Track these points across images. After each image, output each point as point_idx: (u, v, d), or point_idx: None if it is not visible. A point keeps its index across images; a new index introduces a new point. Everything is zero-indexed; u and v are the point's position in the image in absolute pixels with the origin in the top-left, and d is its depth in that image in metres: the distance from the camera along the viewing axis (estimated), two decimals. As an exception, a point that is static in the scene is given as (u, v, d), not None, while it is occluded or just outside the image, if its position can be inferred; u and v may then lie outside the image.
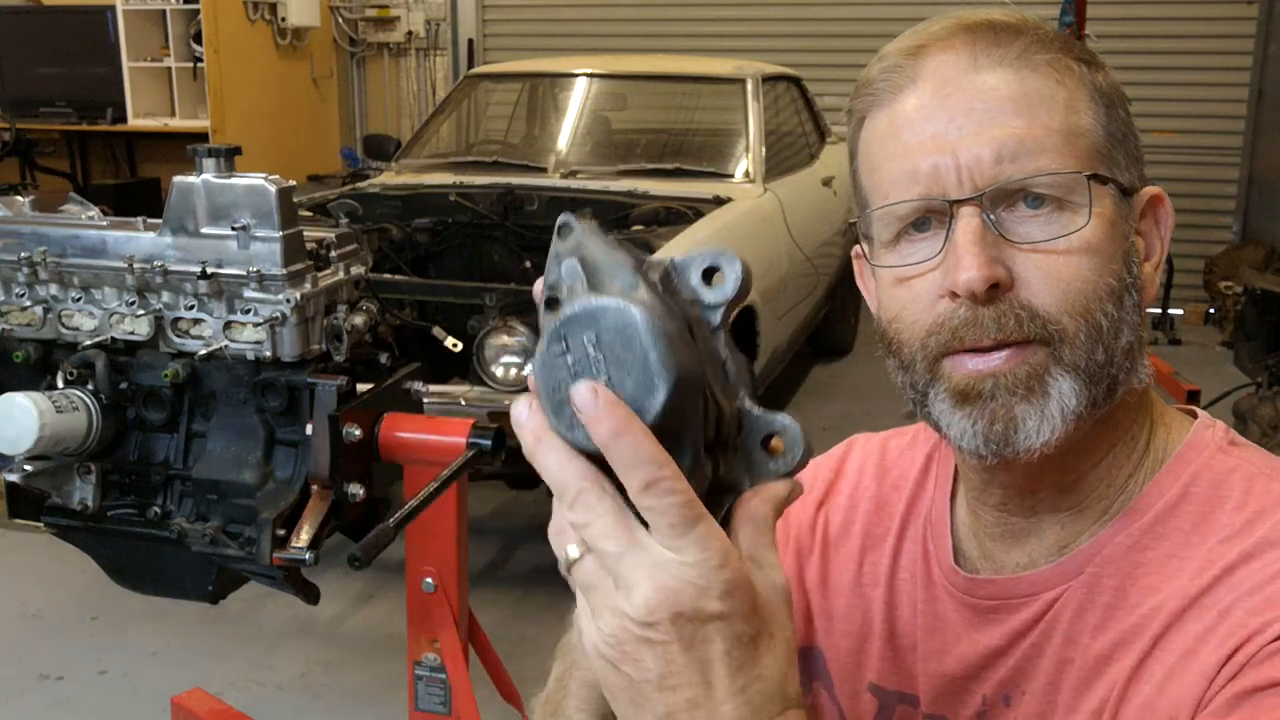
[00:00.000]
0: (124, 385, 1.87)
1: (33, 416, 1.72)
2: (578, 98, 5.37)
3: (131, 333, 1.89)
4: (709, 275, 0.63)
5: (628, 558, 0.57)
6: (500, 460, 1.85)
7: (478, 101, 5.75)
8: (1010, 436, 0.80)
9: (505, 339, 3.28)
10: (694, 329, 0.61)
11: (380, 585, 3.74)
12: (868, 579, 0.98)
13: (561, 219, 0.64)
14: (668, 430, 0.58)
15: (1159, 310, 6.67)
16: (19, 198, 2.01)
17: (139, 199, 7.02)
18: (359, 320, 1.93)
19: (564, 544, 0.59)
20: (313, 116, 8.21)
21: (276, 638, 3.50)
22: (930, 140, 0.81)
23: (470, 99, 5.65)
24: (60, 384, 1.85)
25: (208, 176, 1.80)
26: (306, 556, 1.79)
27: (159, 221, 1.86)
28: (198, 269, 1.80)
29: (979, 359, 0.80)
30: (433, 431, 1.91)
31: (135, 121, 7.56)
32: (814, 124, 6.01)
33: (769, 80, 5.36)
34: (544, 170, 4.90)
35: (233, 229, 1.79)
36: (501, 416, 2.90)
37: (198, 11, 7.19)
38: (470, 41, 8.44)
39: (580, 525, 0.58)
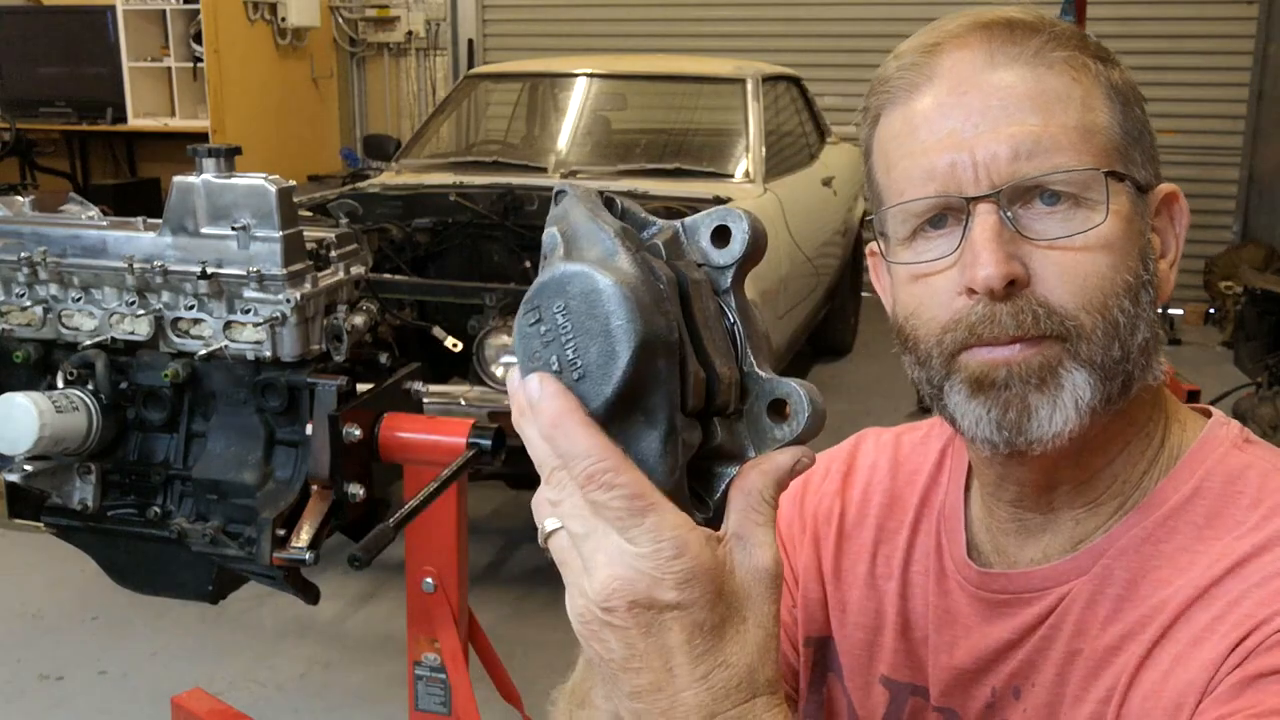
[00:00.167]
0: (124, 385, 1.87)
1: (33, 416, 1.72)
2: (578, 98, 5.37)
3: (131, 333, 1.89)
4: (719, 236, 0.63)
5: (590, 540, 0.58)
6: (500, 460, 1.85)
7: (478, 101, 5.75)
8: (1023, 425, 0.80)
9: (505, 339, 3.28)
10: (691, 293, 0.60)
11: (380, 585, 3.74)
12: (881, 572, 0.99)
13: (557, 187, 0.64)
14: (635, 399, 0.57)
15: (1159, 310, 6.66)
16: (19, 198, 2.01)
17: (139, 199, 7.03)
18: (359, 320, 1.93)
19: (543, 516, 0.60)
20: (313, 117, 8.21)
21: (276, 638, 3.50)
22: (947, 138, 0.81)
23: (470, 99, 5.65)
24: (60, 384, 1.85)
25: (208, 176, 1.80)
26: (306, 556, 1.79)
27: (159, 221, 1.86)
28: (198, 269, 1.80)
29: (995, 349, 0.80)
30: (433, 431, 1.91)
31: (135, 121, 7.56)
32: (814, 124, 6.01)
33: (769, 80, 5.36)
34: (544, 170, 4.90)
35: (233, 229, 1.79)
36: (501, 416, 2.90)
37: (198, 11, 7.19)
38: (470, 41, 8.44)
39: (554, 502, 0.59)
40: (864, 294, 6.65)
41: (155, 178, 7.64)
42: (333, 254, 1.94)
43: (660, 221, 0.64)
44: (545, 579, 3.73)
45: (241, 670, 3.32)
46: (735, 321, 0.62)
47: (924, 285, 0.84)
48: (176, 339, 1.87)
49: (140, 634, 3.50)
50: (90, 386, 1.84)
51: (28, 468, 1.82)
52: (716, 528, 0.60)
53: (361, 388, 1.88)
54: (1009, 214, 0.80)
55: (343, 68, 8.62)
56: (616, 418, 0.58)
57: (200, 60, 7.29)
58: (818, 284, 5.42)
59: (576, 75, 5.43)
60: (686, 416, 0.59)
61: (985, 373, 0.81)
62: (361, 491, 1.82)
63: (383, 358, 2.02)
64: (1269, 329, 5.84)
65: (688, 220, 0.64)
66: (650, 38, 7.91)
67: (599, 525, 0.57)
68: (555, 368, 0.59)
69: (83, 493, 1.88)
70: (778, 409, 0.61)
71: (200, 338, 1.86)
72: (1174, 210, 0.88)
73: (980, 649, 0.89)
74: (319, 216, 3.86)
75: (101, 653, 3.41)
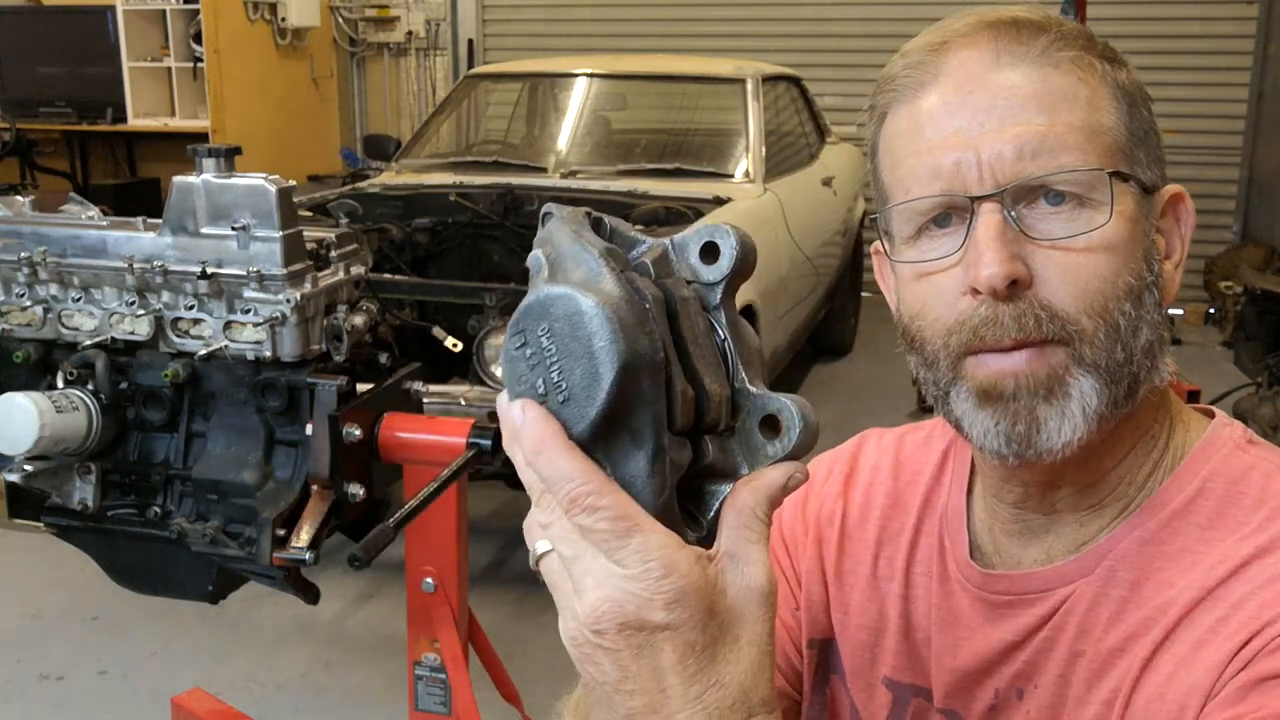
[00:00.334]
0: (124, 385, 1.87)
1: (33, 416, 1.72)
2: (578, 98, 5.37)
3: (131, 333, 1.89)
4: (708, 253, 0.62)
5: (579, 563, 0.57)
6: (500, 460, 1.84)
7: (478, 101, 5.75)
8: (1033, 438, 0.80)
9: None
10: (680, 310, 0.60)
11: (380, 585, 3.74)
12: (883, 573, 0.98)
13: (545, 208, 0.64)
14: (620, 420, 0.57)
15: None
16: (19, 198, 2.01)
17: (139, 199, 7.04)
18: (359, 320, 1.93)
19: (535, 539, 0.60)
20: (313, 116, 8.21)
21: (276, 638, 3.50)
22: (952, 136, 0.81)
23: (470, 99, 5.65)
24: (60, 384, 1.85)
25: (208, 176, 1.80)
26: (306, 556, 1.79)
27: (159, 221, 1.86)
28: (198, 269, 1.80)
29: (1002, 358, 0.80)
30: (433, 431, 1.91)
31: (135, 121, 7.56)
32: (814, 124, 6.01)
33: (769, 80, 5.36)
34: (544, 170, 4.91)
35: (233, 229, 1.79)
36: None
37: (198, 11, 7.19)
38: (470, 41, 8.44)
39: (544, 525, 0.59)
40: (864, 294, 6.65)
41: (155, 178, 7.65)
42: (333, 254, 1.93)
43: (649, 240, 0.63)
44: (545, 579, 3.72)
45: (241, 670, 3.32)
46: (726, 338, 0.62)
47: (928, 284, 0.84)
48: (176, 339, 1.87)
49: (140, 634, 3.49)
50: (90, 386, 1.84)
51: (28, 468, 1.82)
52: (710, 546, 0.60)
53: (361, 388, 1.88)
54: (1013, 214, 0.80)
55: (343, 68, 8.62)
56: (602, 440, 0.58)
57: (200, 60, 7.29)
58: (818, 284, 5.42)
59: (576, 75, 5.43)
60: (675, 435, 0.59)
61: (993, 384, 0.81)
62: (361, 491, 1.82)
63: (383, 358, 2.02)
64: (1269, 329, 5.84)
65: (677, 238, 0.63)
66: (650, 38, 7.91)
67: (587, 548, 0.57)
68: (541, 391, 0.59)
69: (83, 493, 1.88)
70: (770, 425, 0.60)
71: (200, 338, 1.86)
72: (1180, 211, 0.87)
73: (983, 650, 0.89)
74: (319, 216, 3.87)
75: (101, 653, 3.41)
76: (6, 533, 2.10)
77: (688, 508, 0.62)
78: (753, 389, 0.61)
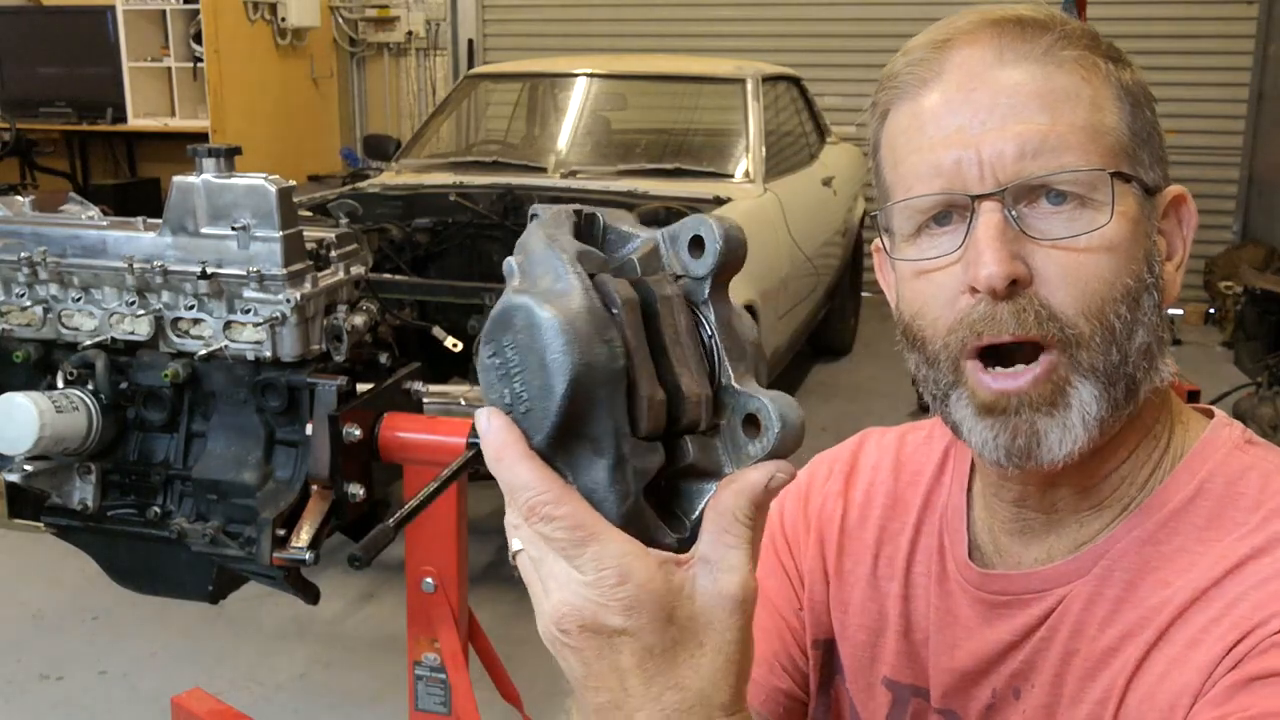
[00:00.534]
0: (124, 385, 1.87)
1: (33, 416, 1.72)
2: (578, 98, 5.37)
3: (131, 333, 1.89)
4: (695, 246, 0.61)
5: (544, 565, 0.59)
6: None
7: (478, 101, 5.75)
8: (1033, 450, 0.80)
9: (505, 339, 3.28)
10: (660, 310, 0.59)
11: (380, 585, 3.74)
12: (883, 573, 0.98)
13: (531, 209, 0.64)
14: (577, 430, 0.57)
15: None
16: (19, 198, 2.01)
17: (139, 199, 7.03)
18: (359, 320, 1.93)
19: (511, 537, 0.61)
20: (313, 116, 8.21)
21: (276, 638, 3.50)
22: (954, 134, 0.81)
23: (470, 99, 5.65)
24: (60, 384, 1.85)
25: (208, 176, 1.80)
26: (306, 556, 1.79)
27: (159, 221, 1.86)
28: (198, 269, 1.80)
29: (1004, 379, 0.80)
30: (433, 431, 1.91)
31: (135, 121, 7.56)
32: (814, 124, 6.01)
33: (769, 80, 5.36)
34: (544, 170, 4.90)
35: (233, 229, 1.79)
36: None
37: (198, 11, 7.19)
38: (470, 41, 8.44)
39: (515, 526, 0.60)
40: (864, 294, 6.65)
41: (155, 178, 7.65)
42: (333, 254, 1.93)
43: (643, 234, 0.63)
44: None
45: (241, 670, 3.32)
46: (713, 334, 0.61)
47: (928, 282, 0.83)
48: (176, 339, 1.87)
49: (140, 634, 3.49)
50: (90, 386, 1.84)
51: (28, 468, 1.82)
52: (691, 547, 0.60)
53: (361, 388, 1.87)
54: (1013, 213, 0.80)
55: (343, 68, 8.62)
56: (562, 449, 0.58)
57: (200, 60, 7.29)
58: (818, 284, 5.42)
59: (576, 75, 5.43)
60: (644, 440, 0.58)
61: (994, 401, 0.81)
62: (361, 491, 1.82)
63: (383, 358, 2.02)
64: (1269, 329, 5.84)
65: (670, 230, 0.63)
66: (650, 38, 7.91)
67: (549, 552, 0.59)
68: (508, 401, 0.60)
69: (83, 493, 1.88)
70: (751, 424, 0.59)
71: (200, 338, 1.86)
72: (1182, 213, 0.87)
73: (981, 650, 0.89)
74: (319, 216, 3.86)
75: (101, 653, 3.41)
76: (6, 533, 2.10)
77: (673, 508, 0.61)
78: (738, 386, 0.60)
